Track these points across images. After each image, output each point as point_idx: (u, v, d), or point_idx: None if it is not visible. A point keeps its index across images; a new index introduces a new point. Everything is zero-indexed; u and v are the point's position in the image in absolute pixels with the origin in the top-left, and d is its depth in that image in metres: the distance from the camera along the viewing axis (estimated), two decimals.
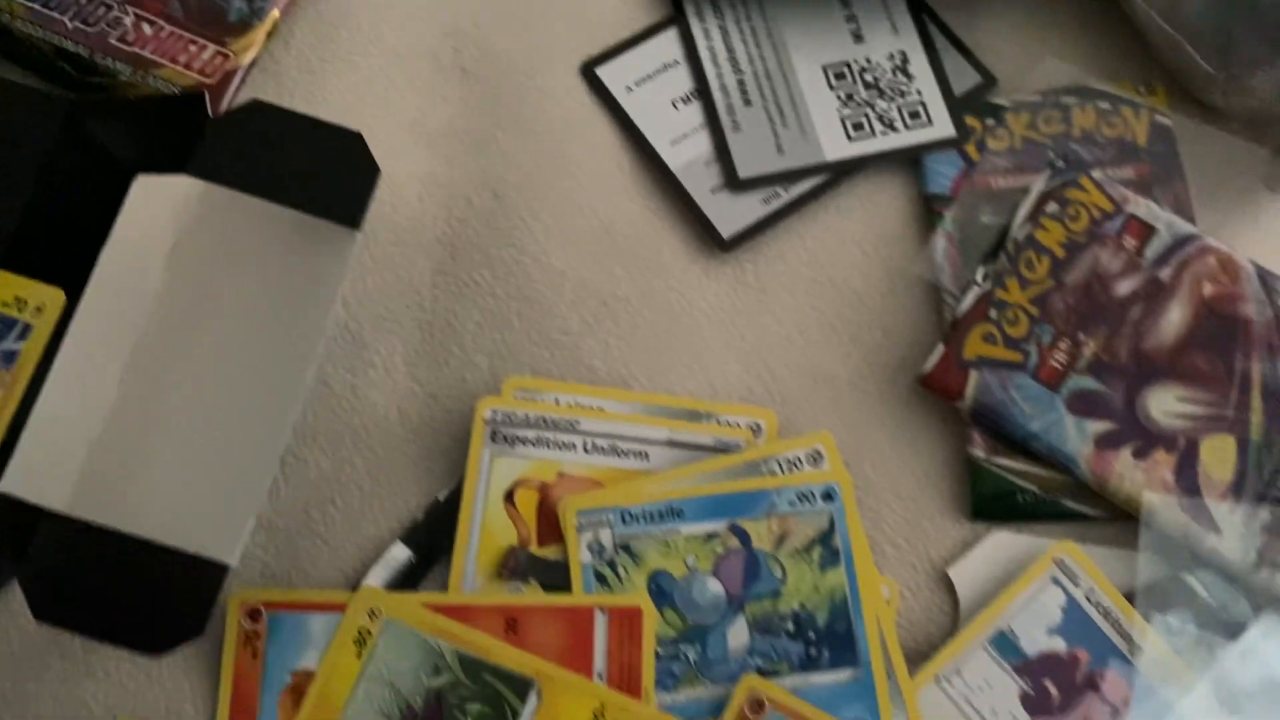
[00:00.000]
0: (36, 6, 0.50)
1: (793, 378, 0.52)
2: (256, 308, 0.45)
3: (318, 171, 0.45)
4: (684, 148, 0.55)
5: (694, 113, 0.56)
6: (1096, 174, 0.52)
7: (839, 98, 0.56)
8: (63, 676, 0.47)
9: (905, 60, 0.57)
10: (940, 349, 0.50)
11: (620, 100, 0.56)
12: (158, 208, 0.46)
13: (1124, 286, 0.51)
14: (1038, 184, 0.52)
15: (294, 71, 0.54)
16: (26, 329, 0.45)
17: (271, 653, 0.47)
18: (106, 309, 0.45)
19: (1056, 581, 0.48)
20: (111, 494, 0.44)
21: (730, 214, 0.54)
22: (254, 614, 0.47)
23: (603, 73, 0.56)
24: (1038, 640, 0.48)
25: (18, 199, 0.47)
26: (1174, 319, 0.50)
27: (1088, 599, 0.48)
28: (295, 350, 0.44)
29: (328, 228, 0.45)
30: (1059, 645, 0.48)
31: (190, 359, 0.45)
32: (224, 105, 0.50)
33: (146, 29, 0.50)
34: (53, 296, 0.46)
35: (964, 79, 0.57)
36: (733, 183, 0.54)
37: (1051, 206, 0.52)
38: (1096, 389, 0.50)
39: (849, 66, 0.56)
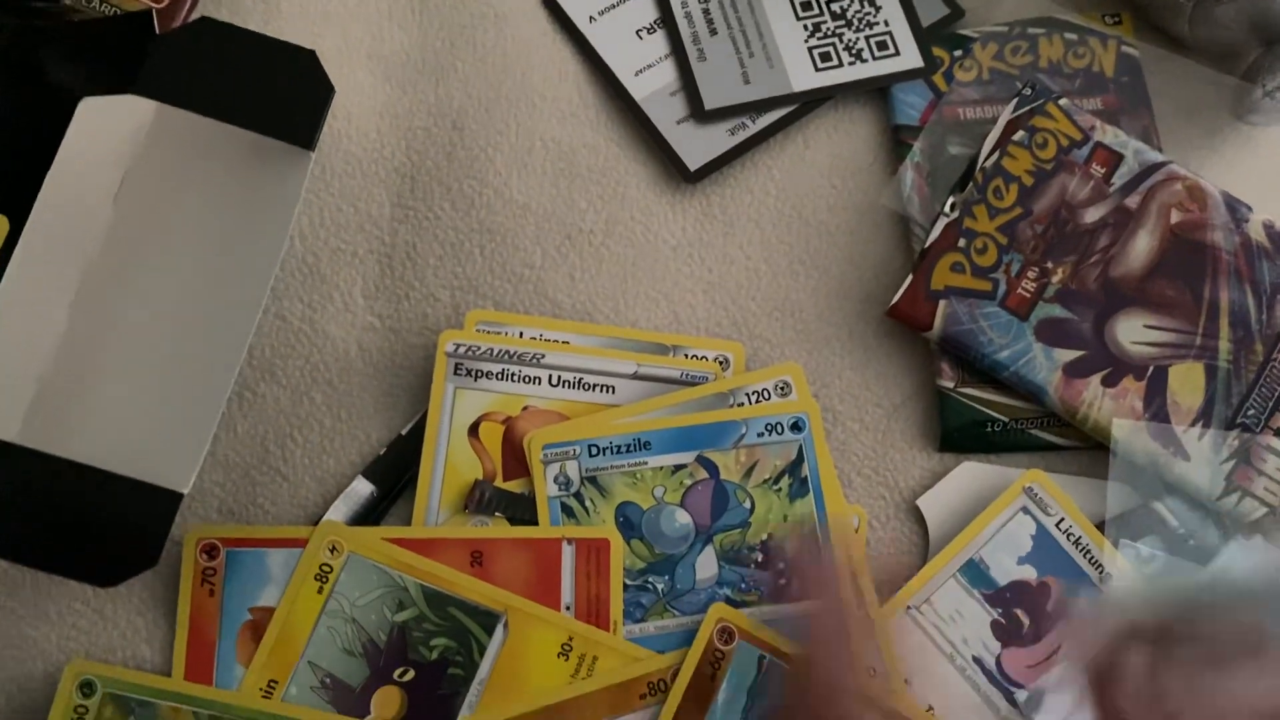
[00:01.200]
0: None
1: (760, 310, 0.51)
2: (208, 231, 0.43)
3: (270, 90, 0.44)
4: (648, 78, 0.54)
5: (658, 42, 0.55)
6: (1063, 101, 0.52)
7: (805, 28, 0.55)
8: (13, 616, 0.46)
9: None
10: (908, 279, 0.50)
11: (583, 29, 0.54)
12: (104, 129, 0.44)
13: (1092, 214, 0.50)
14: (1005, 112, 0.52)
15: None
16: None
17: (229, 590, 0.45)
18: (52, 235, 0.44)
19: (1026, 510, 0.48)
20: (61, 423, 0.42)
21: (696, 146, 0.53)
22: (211, 550, 0.46)
23: (565, 1, 0.55)
24: (1008, 569, 0.47)
25: None
26: (1142, 246, 0.50)
27: (1058, 527, 0.48)
28: (249, 274, 0.43)
29: (281, 148, 0.44)
30: (1029, 574, 0.47)
31: (140, 285, 0.43)
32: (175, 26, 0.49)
33: None
34: None
35: (931, 10, 0.56)
36: (698, 114, 0.53)
37: (1019, 134, 0.51)
38: (1065, 317, 0.49)
39: None
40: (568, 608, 0.46)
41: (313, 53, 0.43)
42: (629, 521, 0.47)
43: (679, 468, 0.48)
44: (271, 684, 0.44)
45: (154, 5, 0.49)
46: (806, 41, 0.55)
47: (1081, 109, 0.52)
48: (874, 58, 0.54)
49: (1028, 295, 0.49)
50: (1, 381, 0.42)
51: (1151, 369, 0.48)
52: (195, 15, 0.50)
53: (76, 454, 0.41)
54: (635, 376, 0.49)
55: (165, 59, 0.44)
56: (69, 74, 0.46)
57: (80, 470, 0.41)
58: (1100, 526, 0.48)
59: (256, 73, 0.44)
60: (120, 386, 0.42)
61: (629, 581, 0.46)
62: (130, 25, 0.45)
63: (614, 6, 0.55)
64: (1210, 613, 0.32)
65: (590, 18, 0.55)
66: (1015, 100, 0.52)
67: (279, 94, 0.44)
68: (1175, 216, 0.50)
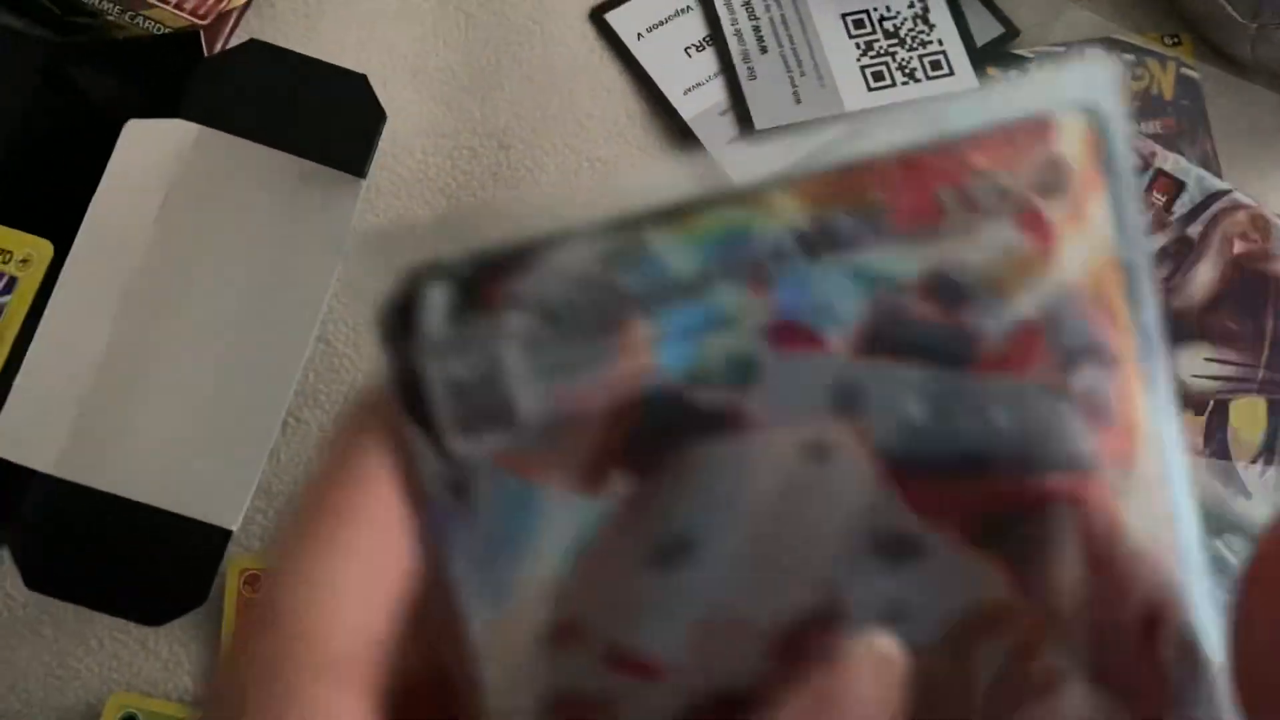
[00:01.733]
0: None
1: None
2: (257, 260, 0.42)
3: (320, 116, 0.43)
4: (697, 97, 0.53)
5: (708, 60, 0.53)
6: None
7: (858, 46, 0.54)
8: (55, 647, 0.45)
9: (926, 8, 0.55)
10: None
11: (631, 47, 0.53)
12: (151, 153, 0.43)
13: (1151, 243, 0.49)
14: None
15: (290, 14, 0.51)
16: (12, 282, 0.43)
17: None
18: (97, 261, 0.43)
19: None
20: (104, 456, 0.41)
21: (746, 166, 0.52)
22: (254, 582, 0.45)
23: (612, 18, 0.54)
24: None
25: None
26: (1203, 277, 0.49)
27: None
28: (298, 305, 0.42)
29: (331, 175, 0.43)
30: None
31: (186, 314, 0.43)
32: (219, 48, 0.48)
33: None
34: (40, 248, 0.43)
35: (986, 29, 0.55)
36: (749, 134, 0.52)
37: None
38: None
39: (869, 14, 0.54)
40: None
41: (364, 77, 0.42)
42: None
43: None
44: None
45: (198, 23, 0.48)
46: (859, 60, 0.53)
47: (1141, 135, 0.51)
48: (928, 78, 0.53)
49: None
50: (43, 412, 0.41)
51: (1212, 404, 0.47)
52: (238, 32, 0.49)
53: (118, 488, 0.41)
54: None
55: (213, 81, 0.43)
56: (113, 93, 0.46)
57: (123, 505, 0.40)
58: None
59: (306, 97, 0.43)
60: (165, 418, 0.42)
61: None
62: (178, 46, 0.44)
63: (662, 23, 0.54)
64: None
65: (638, 35, 0.54)
66: None
67: (329, 119, 0.43)
68: (1238, 247, 0.49)
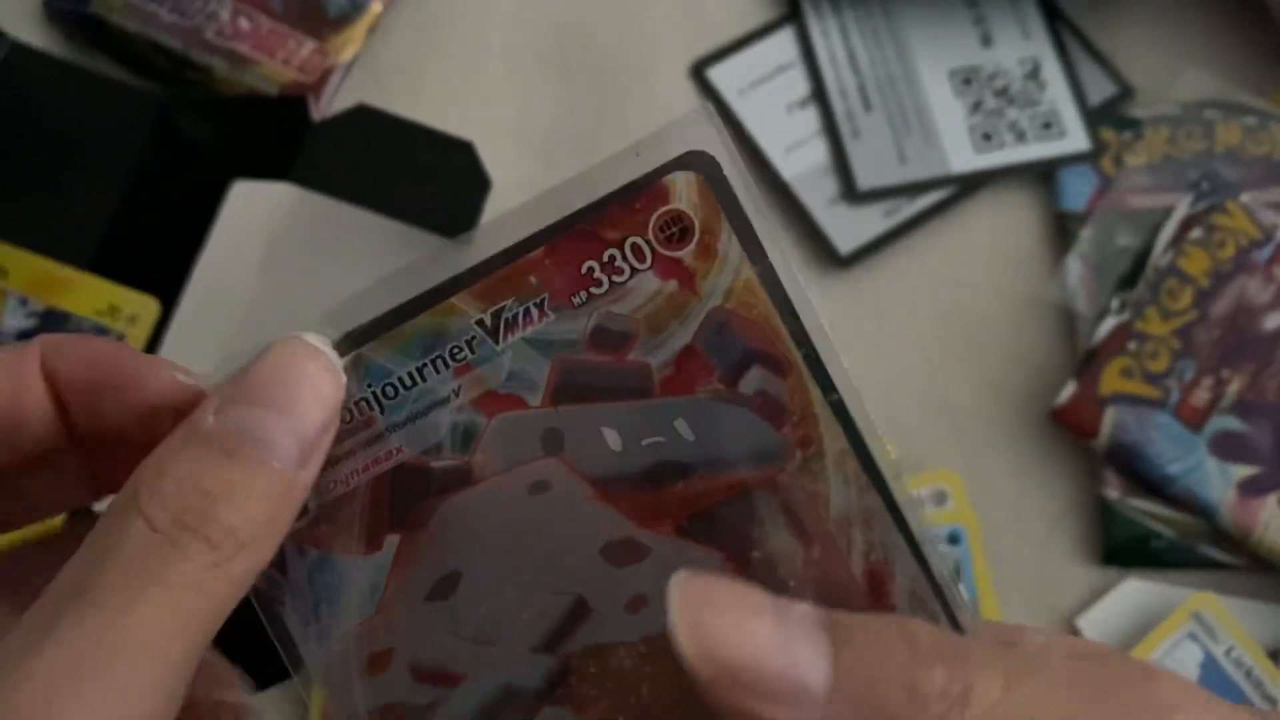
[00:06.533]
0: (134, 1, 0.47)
1: (913, 406, 0.49)
2: None
3: (425, 182, 0.43)
4: (799, 156, 0.52)
5: (810, 118, 0.52)
6: (1244, 197, 0.49)
7: (966, 105, 0.52)
8: None
9: (1037, 67, 0.53)
10: (1074, 383, 0.47)
11: (731, 104, 0.53)
12: (257, 215, 0.43)
13: (1273, 320, 0.47)
14: (1180, 208, 0.49)
15: (394, 70, 0.51)
16: (120, 340, 0.43)
17: None
18: (201, 320, 0.43)
19: (1194, 637, 0.45)
20: None
21: (848, 228, 0.51)
22: None
23: (713, 74, 0.53)
24: None
25: (109, 200, 0.45)
26: None
27: (1227, 655, 0.45)
28: None
29: (435, 242, 0.43)
30: None
31: None
32: (324, 103, 0.48)
33: (244, 23, 0.48)
34: (147, 305, 0.44)
35: (1099, 88, 0.53)
36: (851, 194, 0.51)
37: (1196, 232, 0.48)
38: (1242, 430, 0.46)
39: (977, 72, 0.53)
40: None
41: (470, 145, 0.42)
42: None
43: None
44: None
45: (304, 79, 0.48)
46: (967, 120, 0.52)
47: (1263, 205, 0.49)
48: (1038, 138, 0.52)
49: (1202, 406, 0.47)
50: None
51: None
52: (343, 89, 0.49)
53: None
54: None
55: (321, 145, 0.43)
56: (221, 149, 0.46)
57: None
58: (1274, 656, 0.45)
59: (412, 163, 0.43)
60: None
61: None
62: (285, 105, 0.44)
63: (764, 80, 0.53)
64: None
65: (740, 90, 0.53)
66: (1192, 196, 0.49)
67: (434, 186, 0.43)
68: None
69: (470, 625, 0.25)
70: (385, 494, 0.25)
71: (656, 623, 0.24)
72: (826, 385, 0.24)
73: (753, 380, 0.24)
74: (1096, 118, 0.52)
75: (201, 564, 0.21)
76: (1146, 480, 0.47)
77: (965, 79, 0.53)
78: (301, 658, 0.25)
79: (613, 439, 0.24)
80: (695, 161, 0.24)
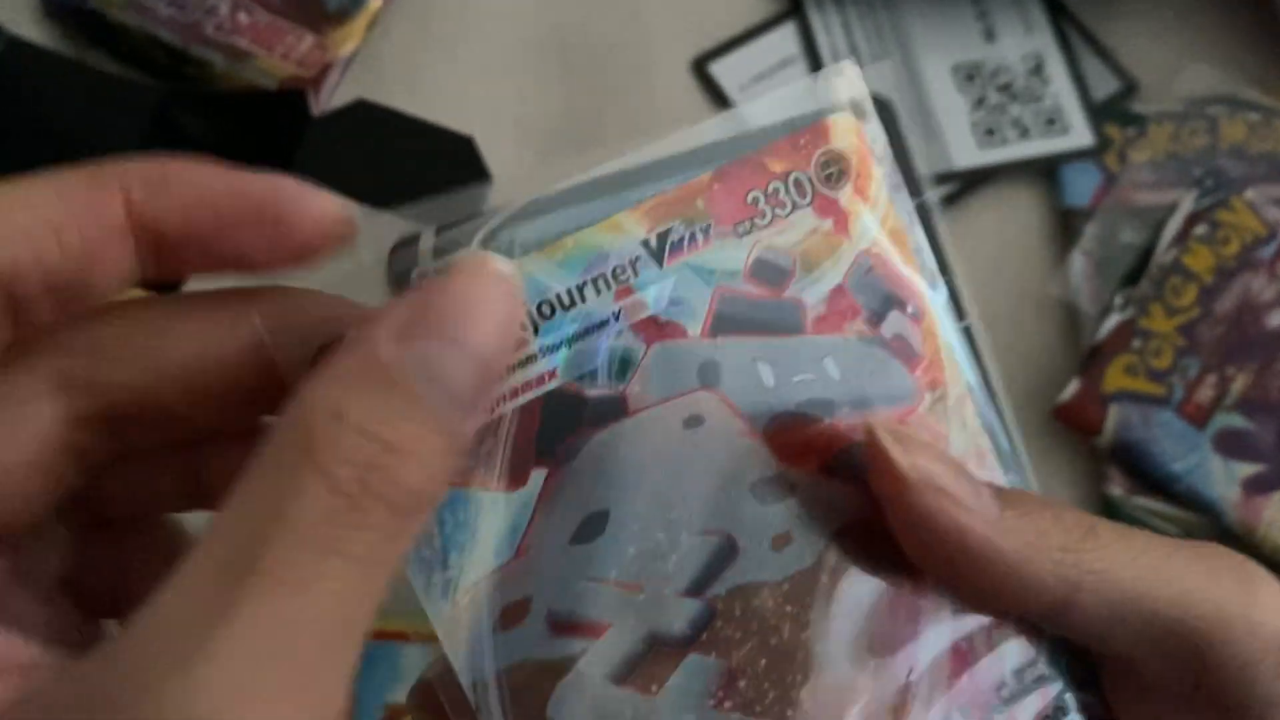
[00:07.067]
0: None
1: None
2: None
3: (426, 177, 0.43)
4: None
5: None
6: (1249, 193, 0.48)
7: (969, 101, 0.52)
8: None
9: (1040, 62, 0.53)
10: (1077, 380, 0.47)
11: (734, 99, 0.52)
12: None
13: (1278, 317, 0.47)
14: (1185, 205, 0.48)
15: (393, 65, 0.51)
16: None
17: (361, 686, 0.44)
18: None
19: None
20: None
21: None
22: None
23: (715, 69, 0.53)
24: None
25: None
26: None
27: None
28: None
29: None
30: None
31: None
32: (323, 98, 0.48)
33: (243, 18, 0.48)
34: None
35: (1103, 84, 0.53)
36: None
37: (1200, 229, 0.48)
38: (1246, 428, 0.46)
39: (980, 67, 0.53)
40: None
41: (470, 140, 0.42)
42: None
43: None
44: None
45: (303, 74, 0.48)
46: (970, 115, 0.52)
47: (1268, 202, 0.49)
48: (1041, 134, 0.52)
49: (1206, 403, 0.46)
50: None
51: None
52: (343, 83, 0.49)
53: None
54: None
55: (320, 140, 0.43)
56: (220, 143, 0.46)
57: None
58: None
59: (412, 158, 0.43)
60: None
61: None
62: (284, 100, 0.44)
63: (766, 74, 0.53)
64: None
65: (741, 86, 0.53)
66: (1196, 192, 0.48)
67: (434, 181, 0.42)
68: None
69: (617, 569, 0.23)
70: (534, 423, 0.23)
71: (801, 560, 0.24)
72: (950, 335, 0.25)
73: (892, 324, 0.25)
74: (1100, 113, 0.52)
75: (383, 533, 0.18)
76: (1150, 478, 0.46)
77: (968, 74, 0.53)
78: (425, 605, 0.22)
79: (767, 374, 0.24)
80: (853, 107, 0.24)
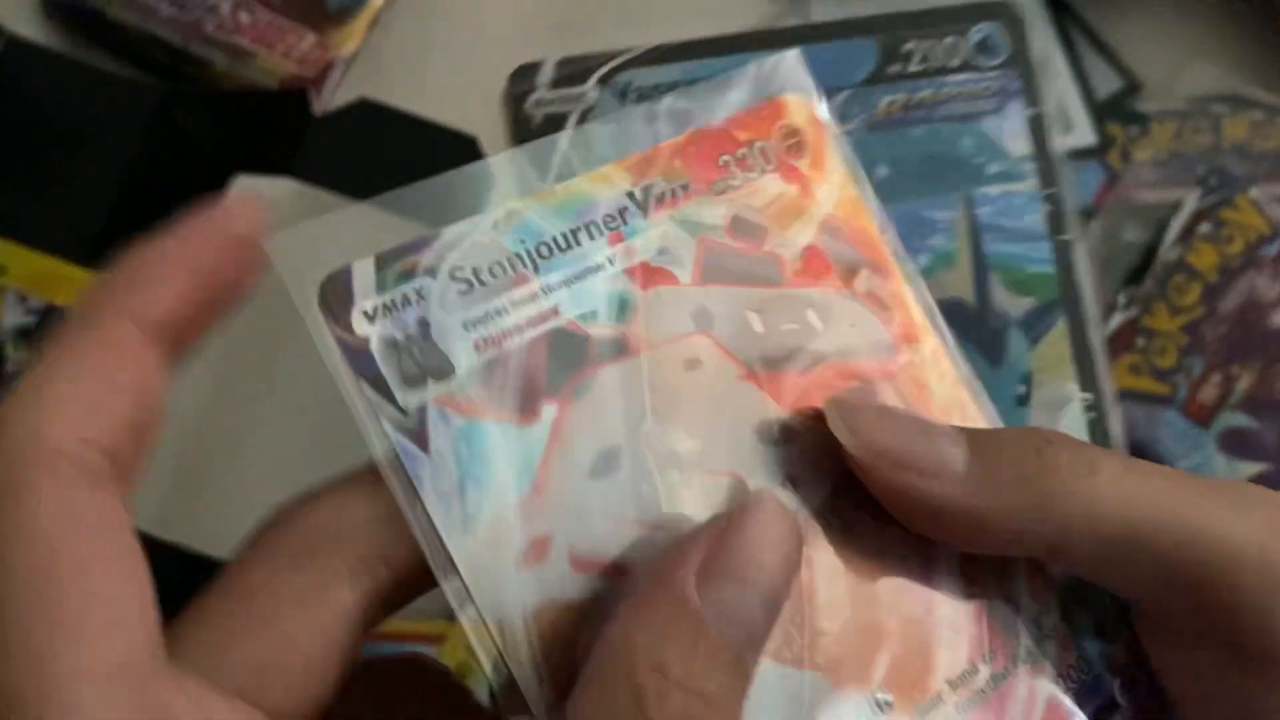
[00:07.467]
0: None
1: None
2: None
3: (428, 176, 0.42)
4: None
5: None
6: (1253, 191, 0.48)
7: None
8: None
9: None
10: None
11: None
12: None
13: None
14: (1189, 203, 0.48)
15: (395, 63, 0.51)
16: None
17: None
18: None
19: None
20: (197, 514, 0.41)
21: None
22: None
23: None
24: None
25: (108, 196, 0.45)
26: None
27: None
28: None
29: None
30: None
31: (287, 374, 0.42)
32: (325, 97, 0.47)
33: (244, 16, 0.47)
34: None
35: (1106, 82, 0.53)
36: None
37: (1204, 227, 0.48)
38: (1250, 427, 0.46)
39: None
40: None
41: (474, 139, 0.42)
42: None
43: None
44: None
45: (304, 73, 0.47)
46: None
47: (1272, 200, 0.49)
48: None
49: (1210, 402, 0.46)
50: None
51: None
52: (344, 82, 0.49)
53: (197, 544, 0.40)
54: None
55: (321, 139, 0.43)
56: (221, 142, 0.45)
57: (211, 565, 0.40)
58: None
59: (415, 158, 0.42)
60: (260, 479, 0.41)
61: None
62: (285, 99, 0.44)
63: None
64: None
65: None
66: (1200, 191, 0.48)
67: None
68: None
69: (635, 508, 0.23)
70: (542, 358, 0.23)
71: (809, 502, 0.24)
72: (921, 297, 0.27)
73: (864, 281, 0.26)
74: (1103, 112, 0.52)
75: None
76: None
77: None
78: (445, 547, 0.22)
79: (756, 322, 0.25)
80: (802, 90, 0.27)
